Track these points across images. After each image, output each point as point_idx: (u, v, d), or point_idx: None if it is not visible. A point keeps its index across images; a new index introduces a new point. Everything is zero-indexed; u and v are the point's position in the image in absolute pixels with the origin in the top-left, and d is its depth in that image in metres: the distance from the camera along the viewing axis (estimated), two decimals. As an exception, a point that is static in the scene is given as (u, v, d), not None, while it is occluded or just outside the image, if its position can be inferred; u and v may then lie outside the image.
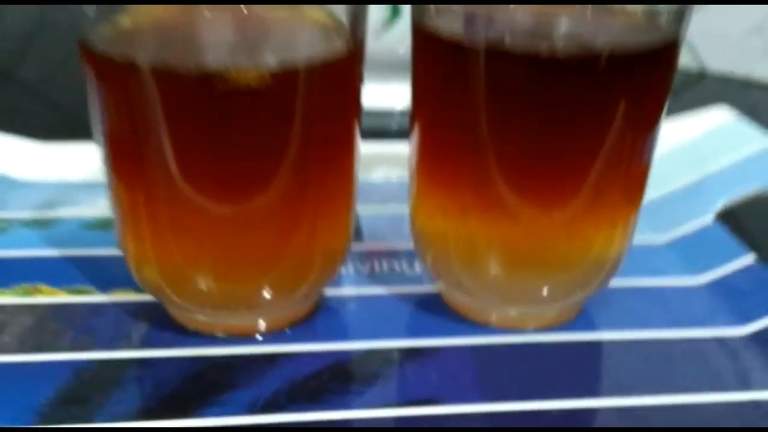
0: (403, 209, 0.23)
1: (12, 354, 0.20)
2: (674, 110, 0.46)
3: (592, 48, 0.18)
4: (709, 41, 0.48)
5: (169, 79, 0.17)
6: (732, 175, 0.28)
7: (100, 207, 0.27)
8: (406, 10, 0.38)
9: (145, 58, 0.17)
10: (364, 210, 0.26)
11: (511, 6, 0.20)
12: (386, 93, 0.38)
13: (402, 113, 0.39)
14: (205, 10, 0.18)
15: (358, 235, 0.26)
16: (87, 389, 0.19)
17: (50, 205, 0.27)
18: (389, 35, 0.38)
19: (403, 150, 0.27)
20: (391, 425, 0.18)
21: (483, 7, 0.19)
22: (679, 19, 0.19)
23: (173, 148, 0.18)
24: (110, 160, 0.19)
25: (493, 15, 0.20)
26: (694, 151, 0.30)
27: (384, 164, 0.30)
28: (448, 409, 0.18)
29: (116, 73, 0.17)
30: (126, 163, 0.19)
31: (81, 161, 0.29)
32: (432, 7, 0.19)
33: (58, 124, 0.37)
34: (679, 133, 0.31)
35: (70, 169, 0.29)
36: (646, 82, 0.19)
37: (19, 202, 0.27)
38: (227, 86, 0.17)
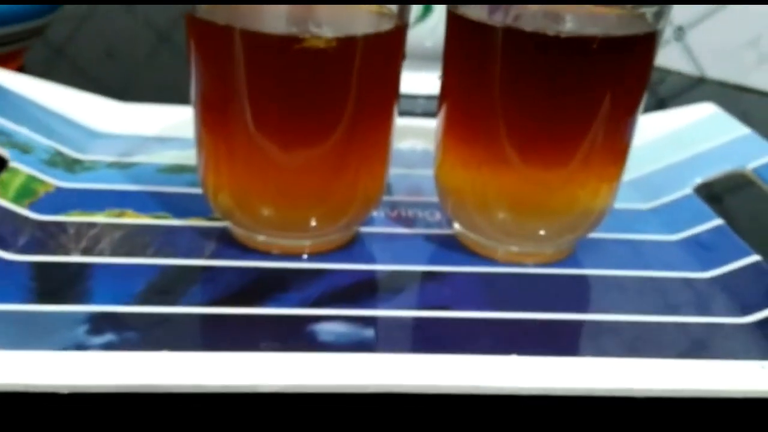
0: (424, 173, 0.28)
1: (107, 257, 0.24)
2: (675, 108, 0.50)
3: (589, 34, 0.23)
4: (710, 51, 0.53)
5: (255, 41, 0.21)
6: (710, 157, 0.32)
7: (170, 156, 0.32)
8: (435, 9, 0.42)
9: (237, 24, 0.21)
10: (394, 171, 0.31)
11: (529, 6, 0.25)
12: (414, 80, 0.43)
13: (426, 97, 0.43)
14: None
15: (388, 190, 0.30)
16: (170, 284, 0.23)
17: (128, 153, 0.32)
18: (419, 30, 0.42)
19: (426, 125, 0.31)
20: (410, 323, 0.23)
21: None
22: (659, 17, 0.24)
23: (252, 100, 0.22)
24: (201, 110, 0.24)
25: (510, 6, 0.24)
26: (680, 136, 0.34)
27: (411, 136, 0.35)
28: (457, 314, 0.23)
29: (214, 38, 0.22)
30: (213, 113, 0.23)
31: (151, 119, 0.34)
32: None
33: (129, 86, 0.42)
34: (668, 122, 0.36)
35: (142, 125, 0.34)
36: (631, 65, 0.24)
37: (102, 149, 0.32)
38: (301, 48, 0.21)
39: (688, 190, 0.31)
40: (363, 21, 0.23)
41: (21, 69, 0.41)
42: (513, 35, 0.23)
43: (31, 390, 0.18)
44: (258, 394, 0.19)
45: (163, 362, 0.19)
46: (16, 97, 0.32)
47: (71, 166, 0.30)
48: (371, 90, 0.23)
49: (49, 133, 0.31)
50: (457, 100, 0.25)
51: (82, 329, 0.21)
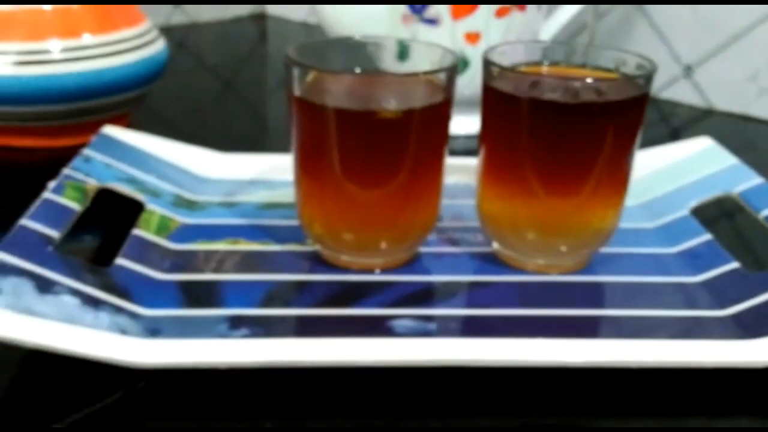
0: (466, 203, 0.35)
1: (231, 274, 0.32)
2: (685, 138, 0.57)
3: (591, 100, 0.30)
4: (715, 85, 0.59)
5: (343, 115, 0.29)
6: (704, 184, 0.39)
7: (263, 195, 0.39)
8: (472, 62, 0.50)
9: (330, 103, 0.29)
10: (443, 202, 0.38)
11: (545, 76, 0.32)
12: (455, 122, 0.50)
13: (465, 137, 0.51)
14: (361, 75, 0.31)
15: (439, 218, 0.38)
16: (280, 294, 0.31)
17: (230, 194, 0.39)
18: (459, 81, 0.50)
19: (467, 163, 0.38)
20: (460, 320, 0.30)
21: (527, 77, 0.32)
22: (648, 81, 0.31)
23: (340, 154, 0.30)
24: (300, 161, 0.32)
25: (531, 79, 0.32)
26: (680, 166, 0.41)
27: (455, 173, 0.42)
28: (496, 311, 0.30)
29: (313, 113, 0.30)
30: (310, 164, 0.31)
31: (243, 166, 0.42)
32: (495, 70, 0.31)
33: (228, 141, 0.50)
34: (671, 154, 0.42)
35: (237, 171, 0.42)
36: (626, 119, 0.31)
37: (209, 192, 0.40)
38: (377, 119, 0.29)
39: (685, 212, 0.38)
40: (419, 92, 0.31)
41: (128, 126, 0.49)
42: (533, 102, 0.30)
43: (195, 367, 0.26)
44: (349, 368, 0.26)
45: (284, 346, 0.27)
46: (140, 152, 0.40)
47: (190, 206, 0.38)
48: (427, 145, 0.31)
49: (169, 180, 0.39)
50: (493, 149, 0.33)
51: (223, 326, 0.28)
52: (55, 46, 0.42)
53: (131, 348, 0.26)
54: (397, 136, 0.30)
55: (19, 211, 0.31)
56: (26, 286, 0.27)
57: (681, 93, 0.61)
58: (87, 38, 0.43)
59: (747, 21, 0.56)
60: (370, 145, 0.30)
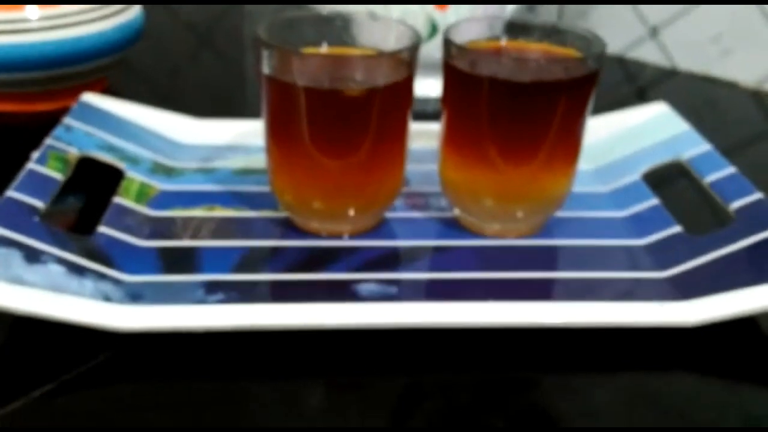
0: (433, 168, 0.37)
1: (208, 240, 0.34)
2: (650, 97, 0.59)
3: (544, 78, 0.32)
4: (679, 46, 0.61)
5: (312, 93, 0.31)
6: (656, 149, 0.41)
7: (240, 161, 0.41)
8: (441, 28, 0.51)
9: (295, 81, 0.31)
10: (410, 167, 0.40)
11: (500, 56, 0.34)
12: (426, 85, 0.52)
13: (436, 99, 0.52)
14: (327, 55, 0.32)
15: (406, 182, 0.39)
16: (254, 259, 0.33)
17: (207, 159, 0.41)
18: (429, 45, 0.51)
19: (434, 128, 0.40)
20: (423, 283, 0.32)
21: (482, 57, 0.33)
22: (597, 60, 0.33)
23: (308, 129, 0.32)
24: (271, 134, 0.33)
25: (486, 58, 0.33)
26: (635, 132, 0.43)
27: (423, 138, 0.44)
28: (456, 275, 0.32)
29: (283, 90, 0.31)
30: (279, 136, 0.33)
31: (220, 131, 0.43)
32: (453, 49, 0.33)
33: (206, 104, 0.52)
34: (627, 119, 0.44)
35: (214, 136, 0.43)
36: (578, 97, 0.33)
37: (186, 157, 0.41)
38: (342, 97, 0.31)
39: (636, 176, 0.40)
40: (384, 71, 0.32)
41: (106, 89, 0.50)
42: (488, 81, 0.32)
43: (173, 330, 0.28)
44: (318, 331, 0.28)
45: (255, 311, 0.29)
46: (119, 119, 0.41)
47: (168, 172, 0.39)
48: (391, 119, 0.33)
49: (148, 147, 0.40)
50: (453, 122, 0.34)
51: (200, 291, 0.30)
52: (33, 14, 0.43)
53: (113, 314, 0.28)
54: (362, 112, 0.32)
55: (2, 174, 0.33)
56: (15, 256, 0.29)
57: (647, 53, 0.62)
58: (64, 7, 0.44)
59: (711, -17, 0.57)
60: (336, 120, 0.32)
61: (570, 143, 0.34)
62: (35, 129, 0.39)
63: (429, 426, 0.26)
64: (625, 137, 0.43)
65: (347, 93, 0.31)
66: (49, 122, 0.38)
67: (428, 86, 0.52)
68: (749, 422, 0.27)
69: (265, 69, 0.32)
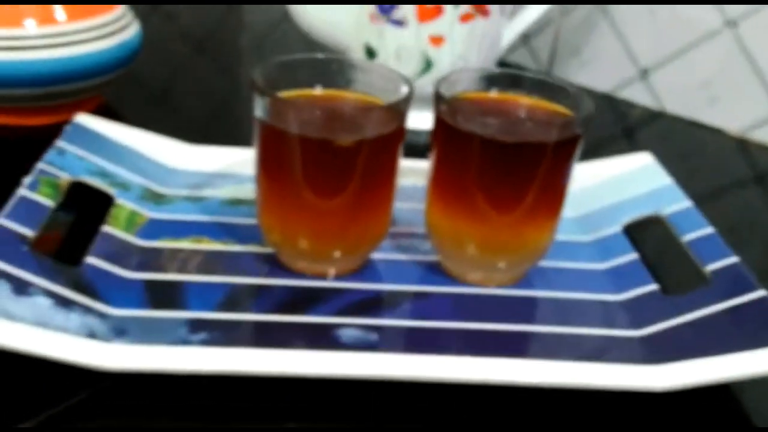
0: (421, 207, 0.38)
1: (194, 275, 0.35)
2: (637, 138, 0.60)
3: (532, 138, 0.32)
4: (669, 90, 0.62)
5: (304, 142, 0.31)
6: (639, 202, 0.42)
7: (229, 191, 0.42)
8: (436, 64, 0.51)
9: (287, 128, 0.31)
10: (398, 205, 0.40)
11: (487, 114, 0.34)
12: (418, 118, 0.52)
13: (427, 132, 0.53)
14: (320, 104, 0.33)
15: (393, 221, 0.40)
16: (239, 297, 0.33)
17: (197, 186, 0.42)
18: (423, 80, 0.52)
19: (424, 166, 0.41)
20: (403, 331, 0.33)
21: (472, 109, 0.34)
22: (584, 123, 0.33)
23: (300, 173, 0.32)
24: (261, 173, 0.34)
25: (475, 114, 0.34)
26: (619, 182, 0.44)
27: (412, 175, 0.44)
28: (435, 324, 0.33)
29: (277, 137, 0.32)
30: (269, 177, 0.33)
31: (212, 158, 0.44)
32: (444, 106, 0.33)
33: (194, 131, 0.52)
34: (611, 169, 0.45)
35: (205, 163, 0.44)
36: (562, 156, 0.33)
37: (177, 183, 0.42)
38: (333, 146, 0.31)
39: (618, 228, 0.41)
40: (376, 119, 0.33)
41: (101, 105, 0.51)
42: (475, 137, 0.32)
43: (156, 372, 0.28)
44: (297, 378, 0.29)
45: (237, 356, 0.29)
46: (111, 143, 0.42)
47: (157, 199, 0.40)
48: (380, 167, 0.33)
49: (139, 172, 0.41)
50: (439, 172, 0.35)
51: (184, 329, 0.31)
52: (31, 31, 0.43)
53: (97, 352, 0.28)
54: (353, 160, 0.32)
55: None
56: (4, 288, 0.29)
57: (636, 94, 0.63)
58: (63, 24, 0.44)
59: (702, 32, 0.58)
60: (327, 167, 0.32)
61: (554, 198, 0.35)
62: (30, 142, 0.40)
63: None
64: (609, 186, 0.44)
65: (339, 143, 0.31)
66: (43, 135, 0.39)
67: (421, 119, 0.52)
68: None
69: (259, 113, 0.32)
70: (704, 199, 0.51)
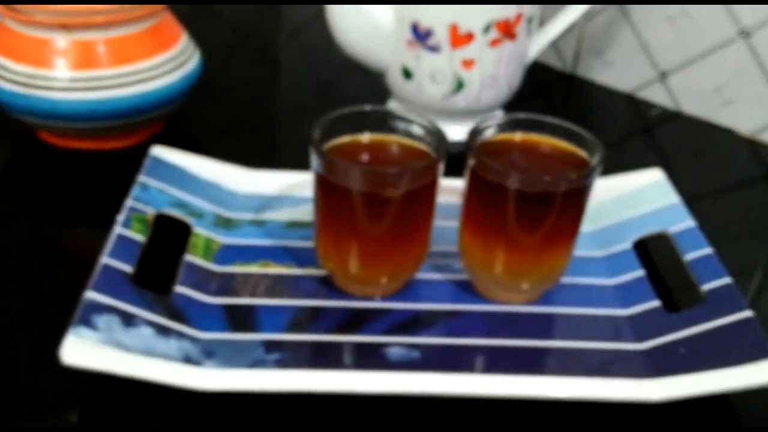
0: (453, 225, 0.43)
1: (264, 298, 0.41)
2: (655, 136, 0.65)
3: (551, 188, 0.38)
4: (686, 92, 0.66)
5: (359, 194, 0.37)
6: (648, 219, 0.47)
7: (288, 213, 0.48)
8: (466, 84, 0.56)
9: (340, 182, 0.37)
10: (435, 223, 0.45)
11: (513, 163, 0.40)
12: (451, 129, 0.57)
13: (458, 143, 0.58)
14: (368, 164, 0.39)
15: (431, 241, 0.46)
16: (302, 318, 0.40)
17: (259, 210, 0.48)
18: (454, 98, 0.56)
19: (456, 185, 0.46)
20: (440, 348, 0.39)
21: (497, 161, 0.39)
22: (594, 170, 0.38)
23: (351, 215, 0.38)
24: (319, 212, 0.40)
25: (500, 167, 0.39)
26: (631, 198, 0.49)
27: (445, 193, 0.49)
28: (467, 342, 0.39)
29: (327, 184, 0.38)
30: (326, 216, 0.39)
31: (270, 182, 0.50)
32: (473, 160, 0.39)
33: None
34: (625, 184, 0.50)
35: (265, 186, 0.50)
36: (578, 200, 0.39)
37: (241, 208, 0.48)
38: (380, 197, 0.37)
39: (628, 245, 0.46)
40: (416, 176, 0.38)
41: (160, 133, 0.57)
42: (501, 187, 0.38)
43: (237, 391, 0.35)
44: (353, 396, 0.35)
45: (304, 376, 0.36)
46: (183, 172, 0.48)
47: (227, 224, 0.46)
48: (420, 210, 0.39)
49: (209, 199, 0.47)
50: (471, 209, 0.41)
51: (260, 350, 0.37)
52: (109, 72, 0.49)
53: (195, 376, 0.35)
54: (396, 206, 0.38)
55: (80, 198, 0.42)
56: (115, 322, 0.36)
57: (655, 95, 0.67)
58: (135, 64, 0.50)
59: (717, 40, 0.62)
60: (375, 213, 0.38)
61: (569, 231, 0.40)
62: (108, 161, 0.50)
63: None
64: (622, 202, 0.49)
65: (385, 195, 0.37)
66: (118, 156, 0.47)
67: (454, 131, 0.58)
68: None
69: (316, 167, 0.38)
70: (715, 194, 0.56)
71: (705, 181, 0.58)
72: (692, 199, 0.54)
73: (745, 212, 0.55)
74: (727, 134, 0.64)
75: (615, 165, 0.52)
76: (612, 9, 0.67)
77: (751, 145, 0.63)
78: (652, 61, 0.66)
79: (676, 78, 0.65)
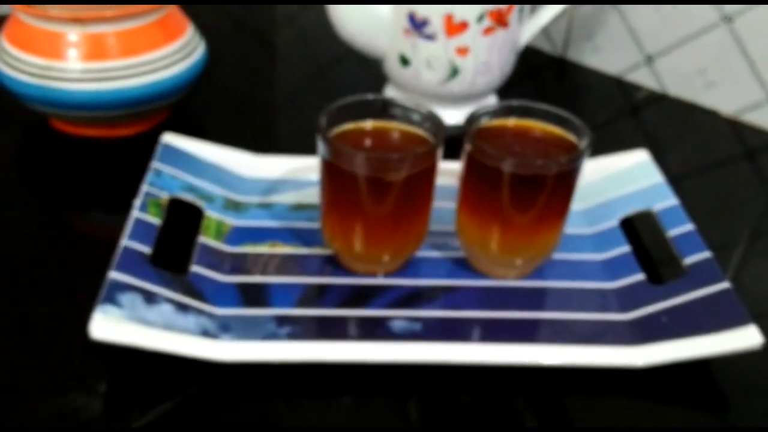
0: (450, 206, 0.46)
1: (274, 276, 0.43)
2: (641, 117, 0.67)
3: (540, 169, 0.40)
4: (671, 75, 0.68)
5: (363, 178, 0.39)
6: (634, 198, 0.50)
7: (293, 196, 0.50)
8: (461, 71, 0.58)
9: (346, 167, 0.39)
10: (434, 204, 0.48)
11: (507, 152, 0.42)
12: (446, 114, 0.60)
13: (455, 126, 0.60)
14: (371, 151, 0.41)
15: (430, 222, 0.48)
16: (310, 295, 0.42)
17: (266, 193, 0.50)
18: (450, 84, 0.59)
19: (453, 168, 0.48)
20: (438, 321, 0.41)
21: (493, 145, 0.42)
22: (587, 149, 0.41)
23: (355, 198, 0.41)
24: (325, 196, 0.42)
25: (495, 150, 0.42)
26: (619, 176, 0.52)
27: (445, 176, 0.52)
28: (464, 313, 0.42)
29: (340, 173, 0.40)
30: (332, 199, 0.42)
31: (276, 166, 0.52)
32: (469, 144, 0.41)
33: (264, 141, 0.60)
34: (613, 164, 0.53)
35: (271, 171, 0.52)
36: (567, 180, 0.41)
37: (249, 191, 0.50)
38: (383, 181, 0.39)
39: (614, 223, 0.49)
40: (416, 161, 0.41)
41: (167, 120, 0.59)
42: (497, 170, 0.40)
43: (252, 362, 0.38)
44: (359, 365, 0.38)
45: (314, 347, 0.39)
46: (194, 158, 0.50)
47: (236, 207, 0.49)
48: (419, 192, 0.42)
49: (219, 183, 0.49)
50: (467, 192, 0.43)
51: (273, 324, 0.40)
52: (118, 63, 0.51)
53: (213, 348, 0.38)
54: (398, 189, 0.40)
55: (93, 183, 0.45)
56: (137, 300, 0.38)
57: (642, 77, 0.70)
58: (144, 56, 0.52)
59: (701, 25, 0.64)
60: (378, 195, 0.41)
61: (560, 209, 0.43)
62: (117, 148, 0.52)
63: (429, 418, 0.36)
64: (610, 181, 0.52)
65: (387, 179, 0.40)
66: (126, 142, 0.50)
67: (449, 115, 0.60)
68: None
69: (322, 154, 0.41)
70: (699, 172, 0.59)
71: (690, 160, 0.61)
72: (677, 178, 0.57)
73: (727, 189, 0.57)
74: (710, 115, 0.67)
75: (604, 145, 0.55)
76: (600, -5, 0.69)
77: (732, 125, 0.65)
78: (638, 45, 0.69)
79: (662, 62, 0.68)
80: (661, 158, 0.55)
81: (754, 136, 0.64)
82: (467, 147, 0.42)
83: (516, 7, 0.56)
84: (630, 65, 0.70)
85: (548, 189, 0.41)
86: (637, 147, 0.54)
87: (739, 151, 0.63)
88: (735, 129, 0.65)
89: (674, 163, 0.59)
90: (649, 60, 0.69)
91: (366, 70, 0.68)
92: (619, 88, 0.71)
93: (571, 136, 0.43)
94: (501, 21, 0.56)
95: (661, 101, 0.69)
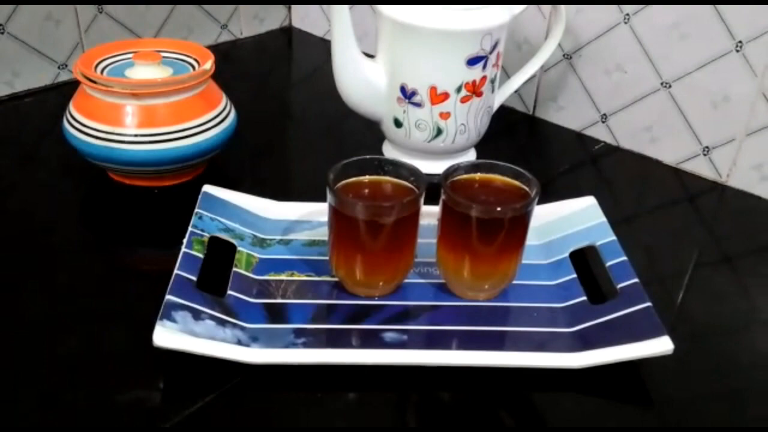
0: (433, 241, 0.55)
1: (292, 299, 0.53)
2: (599, 165, 0.76)
3: (499, 213, 0.50)
4: (622, 130, 0.78)
5: (362, 221, 0.49)
6: (582, 234, 0.59)
7: (307, 234, 0.60)
8: (443, 131, 0.68)
9: (347, 212, 0.49)
10: (419, 241, 0.57)
11: (474, 196, 0.52)
12: (432, 166, 0.69)
13: (438, 175, 0.70)
14: (368, 199, 0.51)
15: (416, 255, 0.57)
16: (321, 313, 0.52)
17: (285, 232, 0.60)
18: (434, 142, 0.69)
19: (434, 210, 0.58)
20: (423, 333, 0.51)
21: (462, 194, 0.51)
22: (537, 197, 0.51)
23: (356, 236, 0.50)
24: (332, 234, 0.52)
25: (464, 199, 0.51)
26: (569, 218, 0.61)
27: (428, 217, 0.61)
28: (444, 328, 0.51)
29: (339, 214, 0.50)
30: (338, 237, 0.51)
31: (292, 210, 0.62)
32: (445, 195, 0.51)
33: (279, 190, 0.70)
34: (566, 208, 0.62)
35: (290, 214, 0.62)
36: (522, 221, 0.51)
37: (271, 230, 0.60)
38: (377, 223, 0.49)
39: (565, 254, 0.58)
40: (405, 207, 0.50)
41: (204, 173, 0.69)
42: (468, 216, 0.50)
43: (274, 363, 0.47)
44: (360, 365, 0.47)
45: (325, 353, 0.48)
46: (228, 204, 0.60)
47: (262, 244, 0.58)
48: (406, 231, 0.51)
49: (247, 225, 0.59)
50: (445, 228, 0.53)
51: (291, 336, 0.49)
52: (165, 130, 0.61)
53: (247, 354, 0.47)
54: (390, 229, 0.50)
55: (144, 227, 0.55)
56: (187, 316, 0.48)
57: (599, 132, 0.80)
58: (188, 123, 0.62)
59: (646, 89, 0.74)
60: (374, 234, 0.50)
61: (518, 244, 0.52)
62: (164, 196, 0.62)
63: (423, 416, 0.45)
64: (563, 221, 0.61)
65: (380, 222, 0.49)
66: (171, 191, 0.61)
67: (433, 167, 0.70)
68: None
69: (330, 202, 0.50)
70: (646, 212, 0.68)
71: (640, 201, 0.70)
72: (630, 217, 0.66)
73: (671, 226, 0.67)
74: (656, 164, 0.76)
75: (565, 189, 0.64)
76: (563, 64, 0.79)
77: (674, 172, 0.75)
78: (595, 105, 0.79)
79: (615, 119, 0.78)
80: (616, 199, 0.64)
81: (692, 182, 0.73)
82: (443, 196, 0.52)
83: (487, 80, 0.66)
84: (588, 122, 0.80)
85: (506, 229, 0.51)
86: (595, 190, 0.63)
87: (681, 195, 0.72)
88: (677, 175, 0.74)
89: (627, 204, 0.69)
90: (604, 118, 0.79)
91: (368, 128, 0.78)
92: (580, 141, 0.80)
93: (524, 187, 0.53)
94: (475, 91, 0.66)
95: (614, 152, 0.78)
